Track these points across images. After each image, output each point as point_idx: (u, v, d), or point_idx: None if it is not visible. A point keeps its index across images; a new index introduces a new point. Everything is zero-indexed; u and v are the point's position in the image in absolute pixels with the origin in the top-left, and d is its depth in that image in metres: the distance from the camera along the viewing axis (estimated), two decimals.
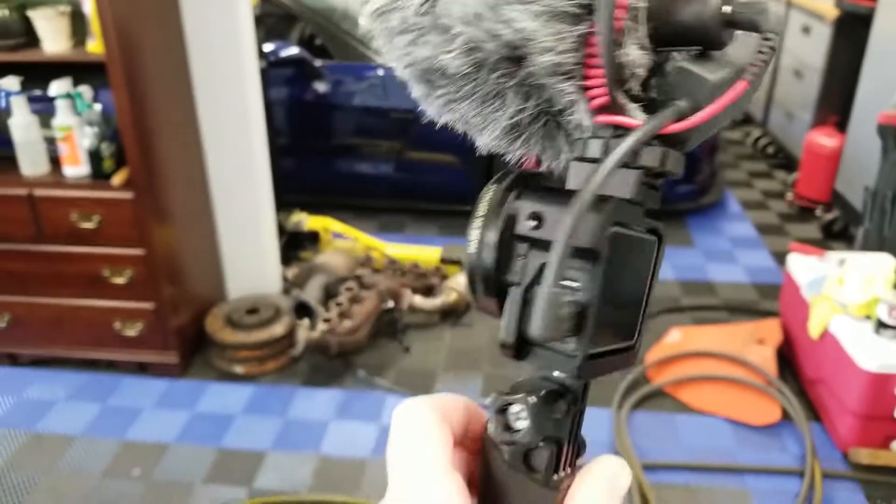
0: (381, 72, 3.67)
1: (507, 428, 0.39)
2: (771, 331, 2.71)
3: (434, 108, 0.43)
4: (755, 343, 2.66)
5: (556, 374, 0.41)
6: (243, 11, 2.57)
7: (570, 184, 0.39)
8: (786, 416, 2.40)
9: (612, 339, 0.41)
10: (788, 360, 2.66)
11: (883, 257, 2.50)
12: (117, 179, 2.36)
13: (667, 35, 0.38)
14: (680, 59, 0.38)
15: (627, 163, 0.37)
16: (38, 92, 2.49)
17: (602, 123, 0.38)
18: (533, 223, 0.40)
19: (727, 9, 0.36)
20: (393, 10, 0.39)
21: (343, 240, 3.36)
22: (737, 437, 2.35)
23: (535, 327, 0.36)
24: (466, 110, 0.41)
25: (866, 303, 2.23)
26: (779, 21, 0.37)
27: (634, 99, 0.38)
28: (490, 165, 3.71)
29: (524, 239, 0.41)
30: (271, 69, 3.52)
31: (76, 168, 2.40)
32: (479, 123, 0.42)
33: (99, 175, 2.37)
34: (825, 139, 3.79)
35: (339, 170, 3.90)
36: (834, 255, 2.58)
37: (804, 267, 2.56)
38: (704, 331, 2.85)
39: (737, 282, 3.36)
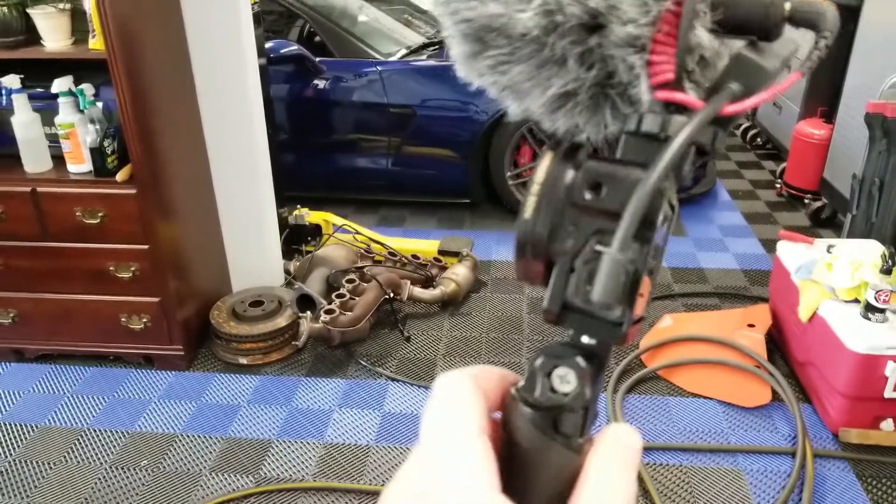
0: (379, 68, 3.71)
1: (553, 390, 0.38)
2: (760, 315, 2.77)
3: (474, 70, 0.41)
4: (745, 327, 2.72)
5: (584, 340, 0.40)
6: (243, 8, 2.60)
7: (621, 154, 0.39)
8: (776, 397, 2.46)
9: (638, 309, 0.41)
10: (778, 343, 2.72)
11: (870, 243, 2.57)
12: (120, 176, 2.39)
13: (731, 23, 0.39)
14: (736, 47, 0.40)
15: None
16: (40, 90, 2.50)
17: (660, 100, 0.39)
18: (591, 193, 0.40)
19: (788, 6, 0.39)
20: None
21: (344, 233, 3.40)
22: (729, 419, 2.41)
23: (598, 293, 0.36)
24: (518, 74, 0.40)
25: (854, 287, 2.29)
26: (835, 22, 0.39)
27: (690, 79, 0.39)
28: (486, 159, 3.76)
29: (580, 208, 0.40)
30: (271, 66, 3.56)
31: (79, 165, 2.43)
32: (527, 89, 0.41)
33: (102, 172, 2.40)
34: (813, 129, 3.85)
35: (340, 165, 3.94)
36: (822, 243, 2.64)
37: (793, 253, 2.62)
38: (696, 316, 2.91)
39: (727, 269, 3.42)
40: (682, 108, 0.39)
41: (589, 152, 0.42)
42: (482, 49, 0.40)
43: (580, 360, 0.39)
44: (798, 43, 0.41)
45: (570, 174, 0.41)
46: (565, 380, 0.38)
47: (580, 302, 0.38)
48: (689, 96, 0.38)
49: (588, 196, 0.40)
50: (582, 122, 0.42)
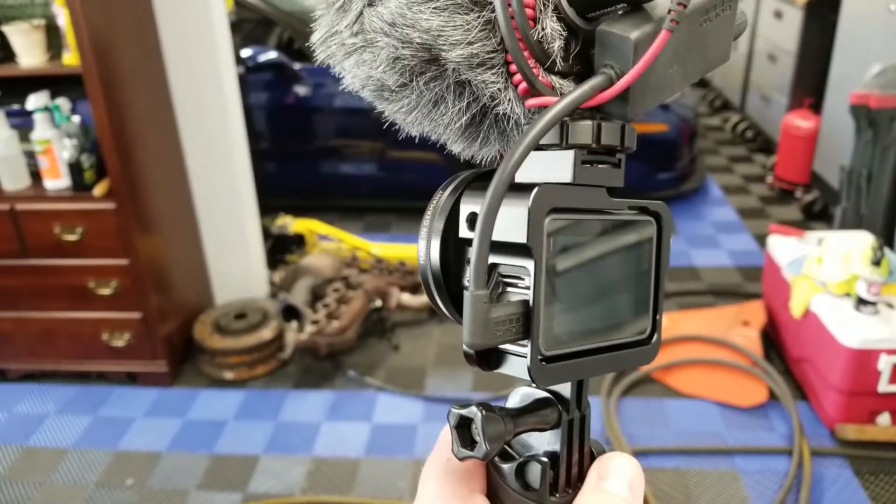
0: None
1: (472, 443, 0.36)
2: (755, 313, 2.74)
3: (401, 123, 0.42)
4: (740, 325, 2.69)
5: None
6: (218, 18, 2.57)
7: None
8: (772, 396, 2.43)
9: (593, 337, 0.38)
10: (773, 340, 2.69)
11: (860, 235, 2.54)
12: (98, 190, 2.36)
13: (580, 3, 0.35)
14: (603, 23, 0.36)
15: (561, 143, 0.35)
16: (15, 106, 2.49)
17: (532, 107, 0.36)
18: (468, 224, 0.38)
19: None
20: (332, 36, 0.39)
21: (329, 241, 3.37)
22: (725, 420, 2.37)
23: (465, 334, 0.33)
24: (420, 120, 0.40)
25: (845, 280, 2.26)
26: None
27: (566, 74, 0.36)
28: (470, 161, 3.72)
29: (469, 242, 0.37)
30: (250, 74, 3.52)
31: (57, 181, 2.39)
32: (435, 131, 0.41)
33: (80, 187, 2.37)
34: (801, 121, 3.83)
35: (323, 171, 3.91)
36: (813, 235, 2.61)
37: (784, 248, 2.59)
38: (690, 315, 2.88)
39: (720, 266, 3.39)
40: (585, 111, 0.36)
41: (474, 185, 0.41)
42: (388, 105, 0.40)
43: (480, 411, 0.36)
44: None
45: (454, 210, 0.39)
46: (476, 432, 0.36)
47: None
48: (551, 97, 0.35)
49: (467, 228, 0.38)
50: (501, 149, 0.41)
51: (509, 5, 0.34)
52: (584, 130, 0.36)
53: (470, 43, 0.35)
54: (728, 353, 2.58)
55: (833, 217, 3.25)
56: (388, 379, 2.64)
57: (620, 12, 0.36)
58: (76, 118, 2.40)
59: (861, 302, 2.20)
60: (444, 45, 0.35)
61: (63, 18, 2.18)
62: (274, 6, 3.84)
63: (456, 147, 0.42)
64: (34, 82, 2.36)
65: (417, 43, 0.36)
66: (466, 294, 0.33)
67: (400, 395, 2.55)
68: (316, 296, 2.88)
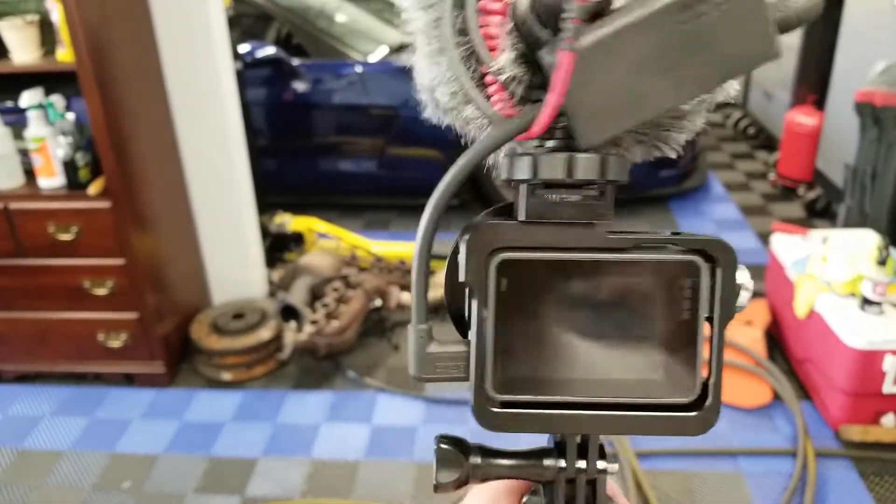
0: (359, 69, 3.64)
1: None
2: (758, 312, 2.72)
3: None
4: (743, 325, 2.66)
5: None
6: (215, 13, 2.54)
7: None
8: (776, 396, 2.41)
9: (583, 390, 0.35)
10: (777, 340, 2.66)
11: (865, 233, 2.51)
12: (94, 189, 2.33)
13: (525, 33, 0.34)
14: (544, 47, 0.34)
15: (509, 179, 0.34)
16: (9, 103, 2.46)
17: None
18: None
19: None
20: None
21: (328, 239, 3.34)
22: (729, 421, 2.35)
23: (409, 368, 0.35)
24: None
25: (850, 280, 2.24)
26: None
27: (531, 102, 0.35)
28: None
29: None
30: (248, 70, 3.49)
31: (51, 179, 2.36)
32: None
33: (75, 185, 2.34)
34: (804, 118, 3.80)
35: (322, 169, 3.87)
36: (817, 234, 2.58)
37: (788, 246, 2.56)
38: None
39: None
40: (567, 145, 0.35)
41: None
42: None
43: (436, 447, 0.38)
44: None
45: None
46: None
47: None
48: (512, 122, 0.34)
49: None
50: None
51: (465, 44, 0.34)
52: (521, 166, 0.34)
53: (438, 85, 0.36)
54: (731, 353, 2.55)
55: (836, 215, 3.23)
56: (388, 379, 2.61)
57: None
58: (70, 115, 2.37)
59: (866, 302, 2.17)
60: (426, 90, 0.38)
61: (57, 14, 2.15)
62: (272, 1, 3.80)
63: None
64: (28, 79, 2.33)
65: (424, 89, 0.38)
66: (409, 326, 0.35)
67: (400, 395, 2.53)
68: (315, 295, 2.85)
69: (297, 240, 3.29)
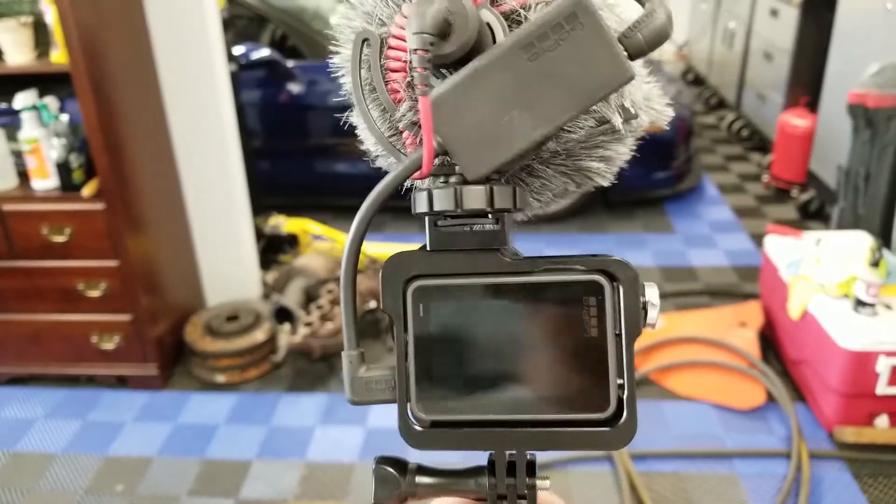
0: None
1: None
2: (753, 313, 2.72)
3: None
4: (738, 326, 2.67)
5: None
6: (210, 15, 2.53)
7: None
8: (771, 398, 2.41)
9: (505, 408, 0.37)
10: (771, 341, 2.67)
11: (858, 235, 2.52)
12: (87, 191, 2.32)
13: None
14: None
15: (427, 211, 0.37)
16: (3, 105, 2.45)
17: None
18: None
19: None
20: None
21: (323, 241, 3.33)
22: (723, 422, 2.35)
23: (345, 393, 0.37)
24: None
25: (844, 282, 2.24)
26: (434, 18, 0.34)
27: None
28: None
29: None
30: (243, 72, 3.48)
31: (45, 181, 2.35)
32: None
33: (68, 187, 2.33)
34: (797, 120, 3.81)
35: (316, 170, 3.87)
36: (811, 235, 2.59)
37: (781, 248, 2.57)
38: (687, 316, 2.86)
39: (717, 266, 3.37)
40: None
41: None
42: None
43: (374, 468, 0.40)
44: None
45: None
46: None
47: None
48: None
49: None
50: None
51: (375, 100, 0.39)
52: (421, 200, 0.37)
53: (370, 133, 0.41)
54: (725, 354, 2.56)
55: (830, 217, 3.24)
56: None
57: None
58: (64, 117, 2.36)
59: (860, 303, 2.18)
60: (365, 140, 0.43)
61: (51, 15, 2.15)
62: (267, 3, 3.80)
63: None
64: (22, 80, 2.32)
65: (365, 143, 0.43)
66: (343, 354, 0.37)
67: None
68: (309, 297, 2.85)
69: (291, 241, 3.28)
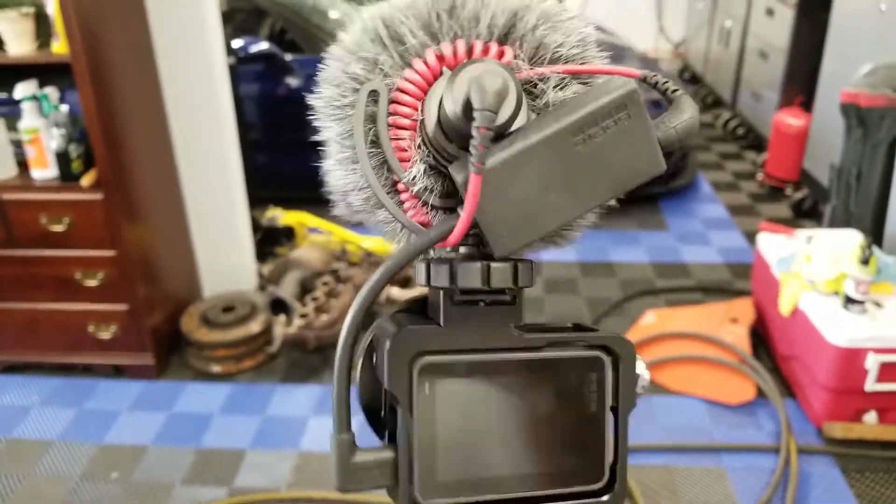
0: None
1: None
2: (744, 310, 2.75)
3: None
4: (729, 322, 2.69)
5: None
6: (209, 8, 2.55)
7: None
8: (761, 393, 2.44)
9: (505, 487, 0.36)
10: (762, 337, 2.70)
11: (849, 233, 2.55)
12: (86, 181, 2.34)
13: (434, 147, 0.37)
14: (454, 163, 0.36)
15: (432, 284, 0.36)
16: (3, 95, 2.46)
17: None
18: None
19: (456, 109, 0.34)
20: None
21: (319, 234, 3.35)
22: (713, 417, 2.38)
23: (333, 478, 0.34)
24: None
25: (834, 279, 2.27)
26: (496, 94, 0.33)
27: (448, 210, 0.38)
28: None
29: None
30: (241, 65, 3.49)
31: (44, 170, 2.37)
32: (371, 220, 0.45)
33: (67, 177, 2.34)
34: (792, 119, 3.83)
35: (314, 164, 3.87)
36: (802, 233, 2.61)
37: (773, 245, 2.59)
38: (679, 312, 2.88)
39: (710, 263, 3.39)
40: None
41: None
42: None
43: None
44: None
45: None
46: None
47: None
48: (418, 233, 0.38)
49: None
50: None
51: (377, 155, 0.38)
52: (440, 274, 0.36)
53: (361, 189, 0.40)
54: (717, 350, 2.58)
55: (822, 215, 3.26)
56: None
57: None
58: (64, 107, 2.37)
59: (849, 300, 2.20)
60: (341, 193, 0.42)
61: (52, 6, 2.15)
62: None
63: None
64: (22, 71, 2.33)
65: (338, 192, 0.43)
66: (331, 438, 0.35)
67: None
68: (305, 289, 2.87)
69: (287, 234, 3.30)
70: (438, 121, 0.36)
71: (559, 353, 0.36)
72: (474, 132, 0.32)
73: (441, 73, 0.37)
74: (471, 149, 0.33)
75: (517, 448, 0.36)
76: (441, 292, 0.36)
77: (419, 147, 0.37)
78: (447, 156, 0.37)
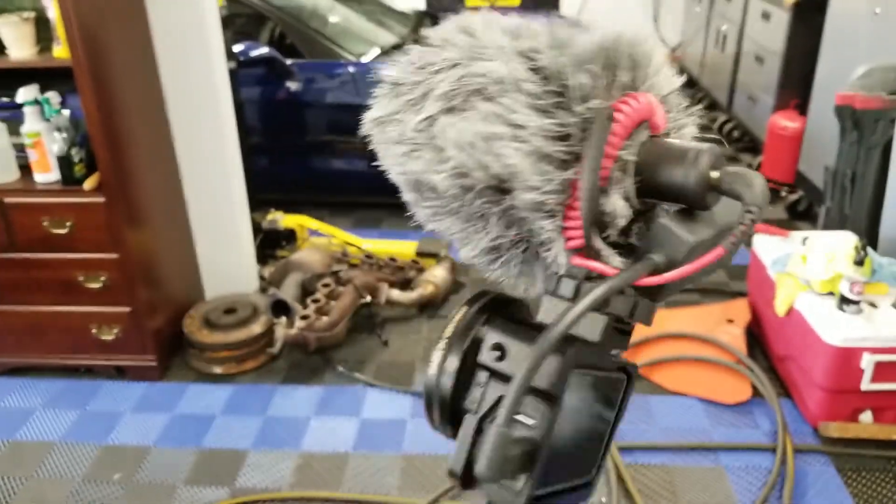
0: (351, 69, 3.68)
1: None
2: (740, 310, 2.77)
3: (422, 215, 0.45)
4: (725, 323, 2.71)
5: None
6: (209, 12, 2.57)
7: (540, 317, 0.39)
8: (757, 393, 2.46)
9: (567, 477, 0.40)
10: (758, 338, 2.72)
11: (844, 235, 2.57)
12: (88, 184, 2.35)
13: (653, 190, 0.38)
14: (664, 215, 0.38)
15: (598, 307, 0.37)
16: (5, 99, 2.47)
17: (575, 265, 0.39)
18: (496, 354, 0.40)
19: (715, 175, 0.36)
20: (392, 122, 0.42)
21: (319, 237, 3.37)
22: (710, 416, 2.40)
23: (481, 466, 0.35)
24: (451, 225, 0.43)
25: (829, 279, 2.29)
26: (764, 195, 0.37)
27: (614, 245, 0.39)
28: None
29: (486, 368, 0.40)
30: (242, 69, 3.51)
31: (46, 174, 2.38)
32: (461, 238, 0.44)
33: (70, 180, 2.36)
34: (787, 122, 3.85)
35: (314, 167, 3.90)
36: (798, 235, 2.64)
37: (769, 247, 2.61)
38: (676, 313, 2.90)
39: None
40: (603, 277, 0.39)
41: (516, 310, 0.43)
42: (420, 199, 0.43)
43: None
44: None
45: (480, 332, 0.41)
46: None
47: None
48: (605, 265, 0.38)
49: (494, 357, 0.40)
50: (514, 275, 0.44)
51: (596, 176, 0.37)
52: (624, 303, 0.39)
53: (545, 192, 0.37)
54: (713, 350, 2.60)
55: (817, 217, 3.28)
56: (377, 374, 2.65)
57: (678, 208, 0.38)
58: (66, 111, 2.39)
59: (844, 301, 2.22)
60: (520, 184, 0.37)
61: (53, 11, 2.16)
62: (266, 1, 3.83)
63: (469, 255, 0.44)
64: (24, 75, 2.34)
65: (493, 172, 0.37)
66: (492, 428, 0.35)
67: (389, 390, 2.56)
68: (306, 291, 2.88)
69: (288, 237, 3.32)
70: (640, 169, 0.38)
71: (615, 374, 0.42)
72: (746, 220, 0.36)
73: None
74: (740, 230, 0.36)
75: (571, 449, 0.41)
76: (608, 318, 0.38)
77: (617, 180, 0.38)
78: (649, 198, 0.39)
